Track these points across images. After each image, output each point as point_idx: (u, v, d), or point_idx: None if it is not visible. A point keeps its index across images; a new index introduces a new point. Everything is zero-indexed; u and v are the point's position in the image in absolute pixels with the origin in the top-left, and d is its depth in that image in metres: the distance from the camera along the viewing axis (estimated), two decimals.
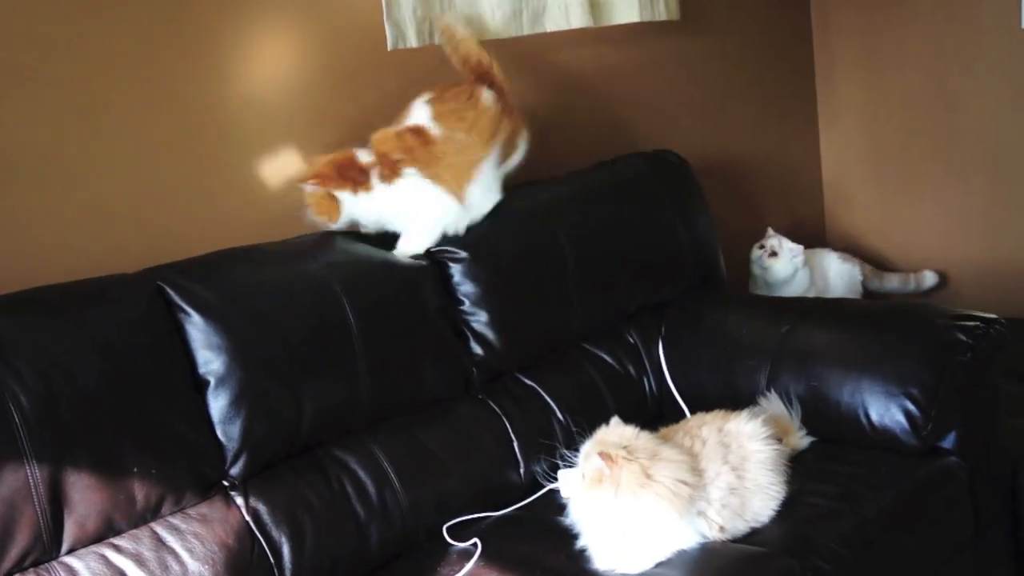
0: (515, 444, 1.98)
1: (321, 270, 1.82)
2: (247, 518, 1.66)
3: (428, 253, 1.99)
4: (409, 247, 1.97)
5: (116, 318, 1.61)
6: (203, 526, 1.62)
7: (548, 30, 2.37)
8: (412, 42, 2.16)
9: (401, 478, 1.81)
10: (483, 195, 2.02)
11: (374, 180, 1.93)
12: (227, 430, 1.67)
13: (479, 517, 1.87)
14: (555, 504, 1.90)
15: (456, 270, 2.00)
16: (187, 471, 1.62)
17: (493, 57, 2.06)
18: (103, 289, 1.65)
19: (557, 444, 1.95)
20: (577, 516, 1.68)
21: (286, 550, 1.66)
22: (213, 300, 1.69)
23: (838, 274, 2.75)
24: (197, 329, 1.67)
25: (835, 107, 3.11)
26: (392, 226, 1.98)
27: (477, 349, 2.01)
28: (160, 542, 1.57)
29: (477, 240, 2.03)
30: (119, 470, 1.53)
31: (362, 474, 1.79)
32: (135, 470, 1.55)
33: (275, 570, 1.65)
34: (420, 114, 1.98)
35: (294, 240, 1.91)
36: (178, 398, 1.63)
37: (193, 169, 1.92)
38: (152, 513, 1.59)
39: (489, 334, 2.01)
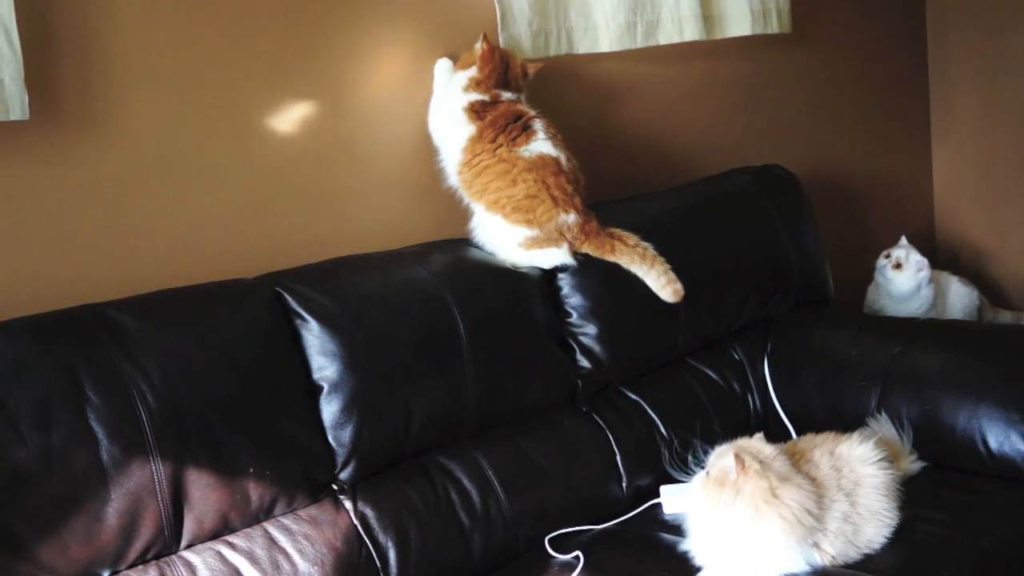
0: (618, 458, 1.94)
1: (433, 279, 1.81)
2: (355, 522, 1.66)
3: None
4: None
5: (236, 322, 1.63)
6: (313, 528, 1.62)
7: (661, 43, 2.32)
8: (527, 54, 2.14)
9: (505, 487, 1.79)
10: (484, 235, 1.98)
11: (463, 80, 1.93)
12: (338, 435, 1.67)
13: (581, 530, 1.84)
14: (657, 520, 1.87)
15: (564, 282, 1.97)
16: (299, 474, 1.63)
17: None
18: (224, 294, 1.67)
19: (662, 458, 1.91)
20: (691, 517, 1.63)
21: (392, 555, 1.66)
22: (330, 307, 1.70)
23: (958, 296, 2.61)
24: (313, 335, 1.68)
25: (949, 120, 2.98)
26: None
27: (583, 362, 1.97)
28: (272, 542, 1.59)
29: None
30: (236, 470, 1.55)
31: (466, 482, 1.78)
32: (251, 471, 1.56)
33: (381, 574, 1.64)
34: (543, 146, 1.94)
35: (406, 249, 1.91)
36: (293, 403, 1.64)
37: (312, 177, 1.93)
38: (265, 513, 1.60)
39: (596, 347, 1.97)
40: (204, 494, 1.52)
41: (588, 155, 2.01)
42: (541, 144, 1.92)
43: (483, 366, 1.80)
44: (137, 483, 1.46)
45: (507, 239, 1.91)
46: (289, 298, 1.70)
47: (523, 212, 1.88)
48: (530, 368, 1.88)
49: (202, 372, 1.55)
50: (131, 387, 1.48)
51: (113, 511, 1.44)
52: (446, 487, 1.76)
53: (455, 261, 1.89)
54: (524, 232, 1.90)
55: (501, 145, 1.89)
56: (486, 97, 1.91)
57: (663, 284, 1.95)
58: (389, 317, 1.74)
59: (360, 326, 1.71)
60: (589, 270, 1.98)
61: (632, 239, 1.96)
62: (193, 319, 1.61)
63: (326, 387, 1.67)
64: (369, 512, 1.67)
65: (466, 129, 1.91)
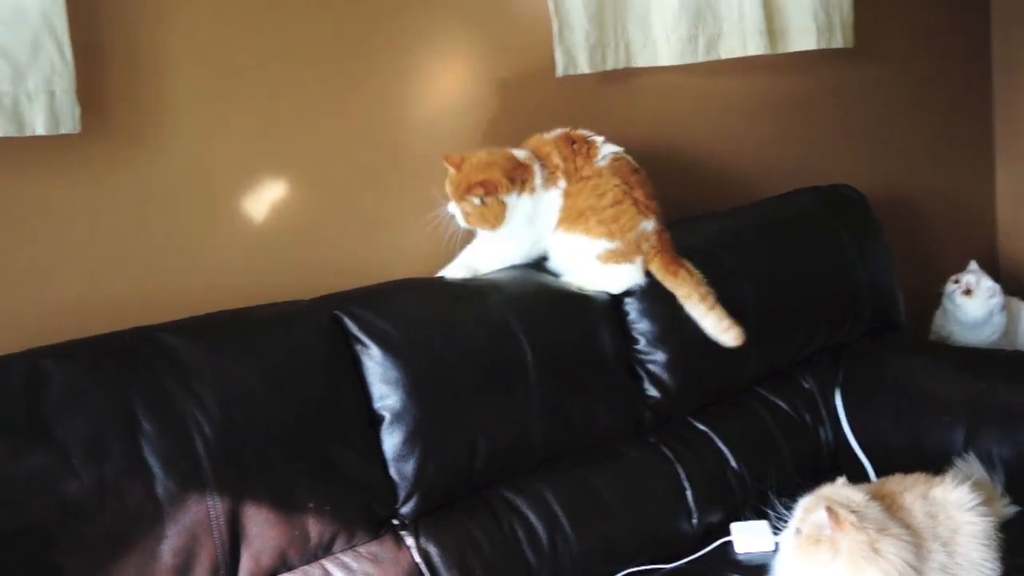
0: (687, 492, 1.84)
1: (498, 304, 1.72)
2: (418, 560, 1.56)
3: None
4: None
5: (294, 347, 1.54)
6: (374, 566, 1.53)
7: (723, 57, 2.24)
8: (583, 68, 2.06)
9: (572, 523, 1.69)
10: (564, 260, 1.85)
11: (536, 181, 1.78)
12: (400, 468, 1.58)
13: (650, 569, 1.74)
14: (729, 559, 1.77)
15: (632, 307, 1.87)
16: (360, 508, 1.54)
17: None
18: (280, 317, 1.59)
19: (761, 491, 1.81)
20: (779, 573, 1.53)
21: None
22: (391, 332, 1.61)
23: None
24: (374, 362, 1.59)
25: (1014, 140, 2.88)
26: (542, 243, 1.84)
27: (651, 391, 1.88)
28: None
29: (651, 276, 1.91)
30: (295, 505, 1.46)
31: (532, 517, 1.68)
32: (310, 505, 1.48)
33: None
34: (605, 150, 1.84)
35: None
36: (353, 433, 1.55)
37: (366, 195, 1.85)
38: (324, 550, 1.51)
39: (664, 376, 1.88)
40: (262, 530, 1.43)
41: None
42: (607, 147, 1.85)
43: (550, 396, 1.71)
44: (193, 519, 1.37)
45: (585, 254, 1.81)
46: (348, 322, 1.62)
47: (607, 224, 1.80)
48: (598, 397, 1.79)
49: (259, 400, 1.46)
50: (187, 416, 1.40)
51: (168, 549, 1.36)
52: (511, 523, 1.66)
53: (520, 285, 1.80)
54: (604, 245, 1.80)
55: (580, 167, 1.81)
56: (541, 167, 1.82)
57: (724, 328, 1.85)
58: (453, 344, 1.65)
59: (423, 353, 1.62)
60: (658, 295, 1.88)
61: (699, 276, 1.86)
62: (248, 344, 1.52)
63: (388, 417, 1.58)
64: (432, 549, 1.58)
65: (555, 194, 1.82)
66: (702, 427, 1.94)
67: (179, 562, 1.37)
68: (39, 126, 1.40)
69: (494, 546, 1.62)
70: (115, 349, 1.43)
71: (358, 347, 1.60)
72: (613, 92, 2.13)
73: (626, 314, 1.88)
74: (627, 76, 2.17)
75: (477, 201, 1.75)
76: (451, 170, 1.78)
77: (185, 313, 1.56)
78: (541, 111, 1.97)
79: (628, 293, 1.87)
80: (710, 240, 2.02)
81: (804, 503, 1.51)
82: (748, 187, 2.29)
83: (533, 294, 1.78)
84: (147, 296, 1.62)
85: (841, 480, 1.55)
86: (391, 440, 1.58)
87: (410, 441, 1.58)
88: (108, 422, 1.34)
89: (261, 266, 1.75)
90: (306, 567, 1.50)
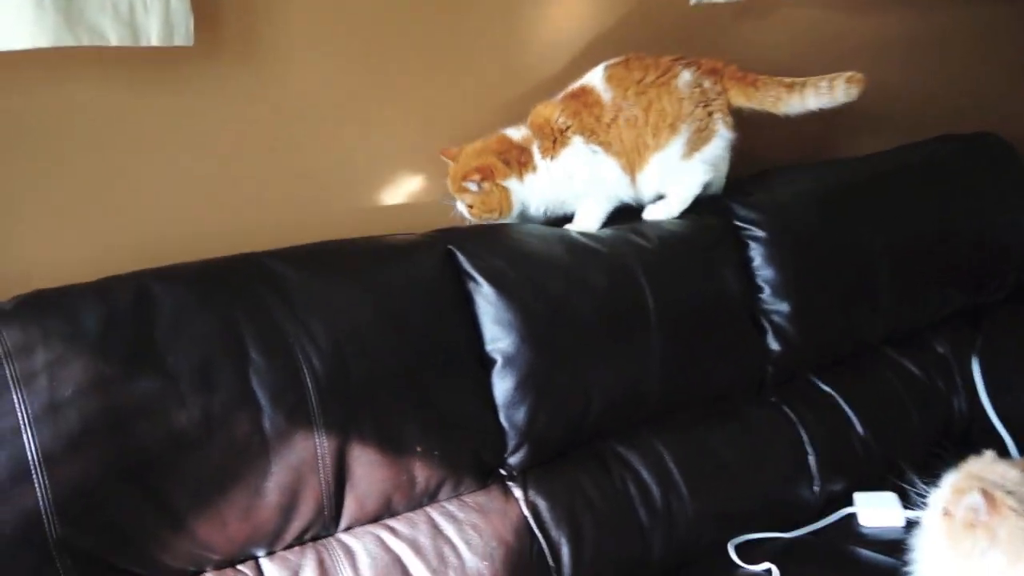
0: (810, 457, 1.74)
1: (621, 249, 1.63)
2: (526, 512, 1.51)
3: (729, 228, 1.76)
4: (581, 225, 1.70)
5: (405, 281, 1.48)
6: (481, 517, 1.48)
7: None
8: None
9: (687, 482, 1.62)
10: (658, 184, 1.72)
11: (536, 157, 1.67)
12: (511, 415, 1.52)
13: (768, 537, 1.65)
14: (853, 532, 1.68)
15: (757, 252, 1.77)
16: (468, 456, 1.48)
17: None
18: (393, 249, 1.53)
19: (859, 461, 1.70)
20: (923, 558, 1.43)
21: (565, 552, 1.50)
22: (507, 272, 1.54)
23: None
24: (487, 301, 1.52)
25: None
26: (564, 207, 1.71)
27: (774, 344, 1.77)
28: (437, 530, 1.45)
29: (776, 216, 1.79)
30: (403, 448, 1.41)
31: (645, 474, 1.61)
32: (418, 449, 1.42)
33: (553, 574, 1.49)
34: (593, 76, 1.70)
35: None
36: (464, 375, 1.49)
37: (484, 128, 1.76)
38: (429, 497, 1.46)
39: (789, 328, 1.77)
40: (368, 472, 1.38)
41: (769, 116, 1.78)
42: (595, 75, 1.71)
43: (671, 345, 1.62)
44: (299, 456, 1.33)
45: (671, 167, 1.70)
46: (462, 257, 1.55)
47: (658, 127, 1.67)
48: (720, 349, 1.69)
49: (370, 336, 1.40)
50: (296, 349, 1.35)
51: (273, 486, 1.32)
52: (624, 479, 1.59)
53: (642, 228, 1.70)
54: (678, 142, 1.68)
55: (599, 115, 1.68)
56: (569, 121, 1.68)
57: (833, 85, 1.70)
58: (571, 287, 1.57)
59: (539, 295, 1.54)
60: (782, 240, 1.77)
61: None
62: (360, 275, 1.46)
63: (500, 360, 1.51)
64: (541, 502, 1.52)
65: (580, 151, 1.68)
66: (826, 388, 1.84)
67: (284, 500, 1.33)
68: (154, 36, 1.34)
69: (606, 503, 1.56)
70: (223, 275, 1.38)
71: (471, 284, 1.53)
72: (748, 26, 2.00)
73: (750, 259, 1.77)
74: (764, 9, 2.02)
75: (475, 188, 1.65)
76: (449, 164, 1.69)
77: (292, 242, 1.50)
78: (671, 42, 1.84)
79: (752, 237, 1.76)
80: (841, 186, 1.90)
81: (952, 481, 1.40)
82: (884, 132, 2.14)
83: (655, 237, 1.68)
84: (251, 223, 1.57)
85: (990, 454, 1.43)
86: (502, 385, 1.51)
87: (522, 387, 1.51)
88: (217, 351, 1.29)
89: (370, 195, 1.68)
90: (410, 514, 1.45)
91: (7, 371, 1.17)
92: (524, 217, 1.71)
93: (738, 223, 1.78)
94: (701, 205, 1.78)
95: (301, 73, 1.59)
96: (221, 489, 1.28)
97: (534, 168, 1.67)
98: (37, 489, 1.16)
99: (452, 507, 1.48)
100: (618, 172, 1.69)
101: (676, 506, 1.60)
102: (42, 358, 1.19)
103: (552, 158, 1.66)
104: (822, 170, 1.96)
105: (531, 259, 1.57)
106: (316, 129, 1.62)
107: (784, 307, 1.76)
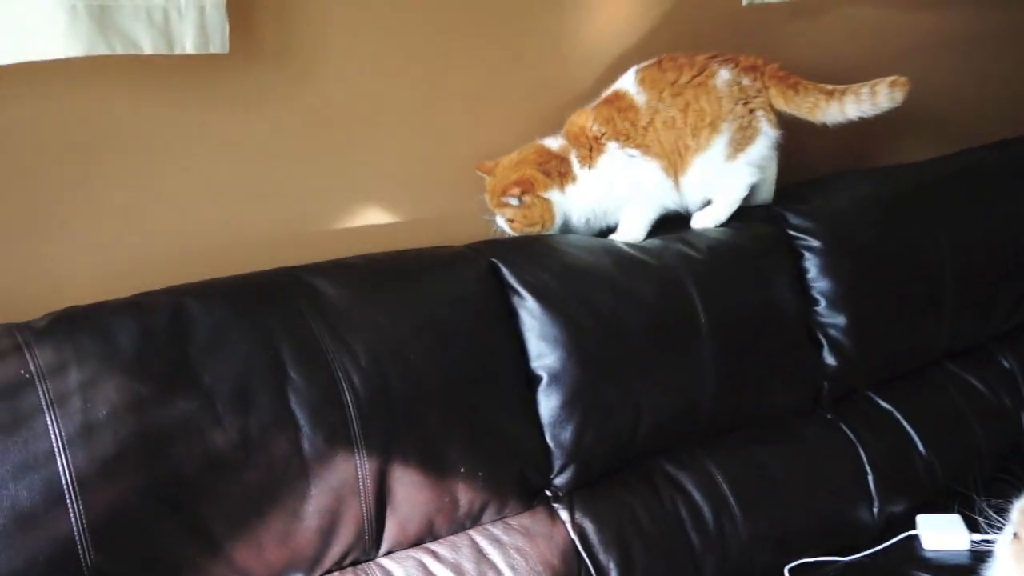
0: (869, 477, 1.68)
1: (670, 260, 1.58)
2: (572, 536, 1.46)
3: (782, 237, 1.70)
4: (626, 235, 1.64)
5: (447, 296, 1.44)
6: (526, 540, 1.43)
7: None
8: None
9: (741, 504, 1.56)
10: (702, 188, 1.66)
11: (575, 167, 1.62)
12: (557, 434, 1.47)
13: (826, 561, 1.59)
14: (915, 556, 1.61)
15: (812, 262, 1.71)
16: (513, 476, 1.44)
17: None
18: (436, 263, 1.49)
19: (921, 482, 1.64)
20: None
21: None
22: (552, 285, 1.49)
23: None
24: (532, 316, 1.48)
25: None
26: (607, 217, 1.66)
27: (830, 359, 1.71)
28: (481, 554, 1.40)
29: (832, 224, 1.73)
30: (446, 468, 1.37)
31: (697, 495, 1.55)
32: (462, 470, 1.38)
33: None
34: (625, 80, 1.65)
35: None
36: (509, 393, 1.45)
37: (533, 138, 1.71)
38: (472, 520, 1.42)
39: (846, 342, 1.71)
40: (410, 494, 1.34)
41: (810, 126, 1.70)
42: (628, 80, 1.65)
43: (724, 361, 1.57)
44: (340, 478, 1.29)
45: (714, 170, 1.64)
46: (505, 270, 1.50)
47: (698, 127, 1.62)
48: (774, 364, 1.64)
49: (412, 352, 1.36)
50: (335, 366, 1.31)
51: (313, 509, 1.28)
52: (674, 500, 1.54)
53: (691, 237, 1.65)
54: (720, 142, 1.63)
55: (634, 120, 1.63)
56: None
57: (875, 91, 1.63)
58: (618, 300, 1.52)
59: (586, 309, 1.49)
60: (840, 249, 1.71)
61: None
62: (401, 290, 1.42)
63: (546, 377, 1.47)
64: (588, 525, 1.47)
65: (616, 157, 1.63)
66: (885, 404, 1.77)
67: (324, 524, 1.29)
68: (188, 44, 1.31)
69: (656, 526, 1.51)
70: (260, 291, 1.35)
71: (515, 299, 1.49)
72: (802, 27, 1.93)
73: (805, 271, 1.71)
74: (819, 8, 1.95)
75: (515, 202, 1.60)
76: (486, 179, 1.64)
77: (329, 255, 1.47)
78: (722, 45, 1.77)
79: (807, 247, 1.71)
80: (900, 192, 1.84)
81: (1022, 505, 1.33)
82: (947, 135, 2.06)
83: (706, 246, 1.62)
84: (288, 235, 1.54)
85: None
86: (548, 403, 1.47)
87: (569, 405, 1.46)
88: (254, 369, 1.26)
89: (409, 207, 1.64)
90: (453, 537, 1.41)
91: (40, 392, 1.14)
92: (566, 228, 1.67)
93: (792, 232, 1.73)
94: (752, 213, 1.73)
95: (340, 81, 1.55)
96: (259, 513, 1.24)
97: (574, 178, 1.62)
98: (71, 514, 1.13)
99: (496, 530, 1.43)
100: (659, 175, 1.63)
101: (729, 529, 1.54)
102: (76, 378, 1.16)
103: (590, 167, 1.62)
104: (879, 176, 1.91)
105: (577, 271, 1.53)
106: (355, 138, 1.58)
107: (840, 320, 1.71)
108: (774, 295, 1.64)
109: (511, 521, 1.44)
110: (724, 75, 1.64)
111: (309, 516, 1.28)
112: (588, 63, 1.75)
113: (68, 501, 1.13)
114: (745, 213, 1.71)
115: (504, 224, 1.64)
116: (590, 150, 1.62)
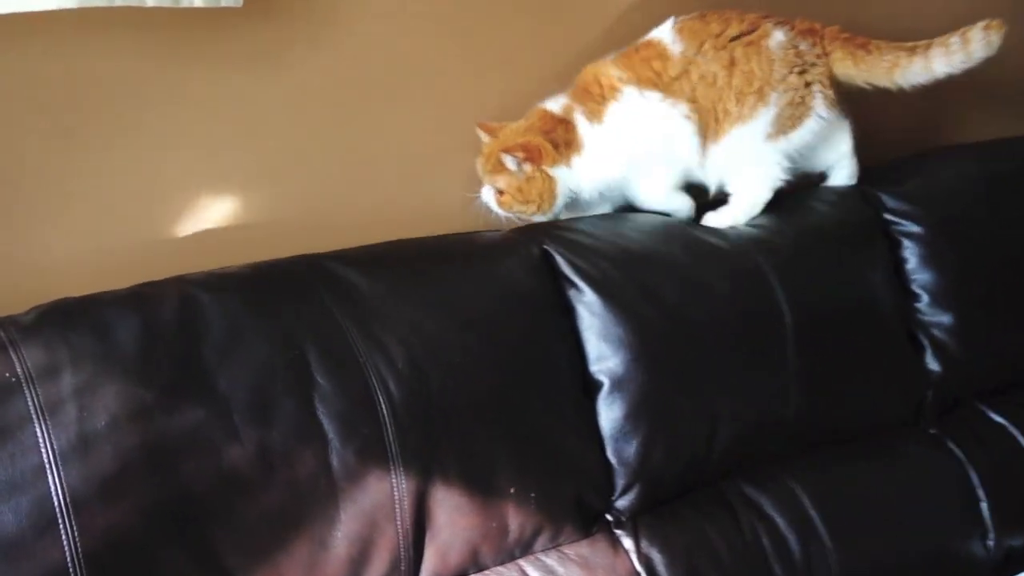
0: (981, 504, 1.61)
1: (745, 246, 1.53)
2: (638, 568, 1.40)
3: (877, 223, 1.63)
4: (649, 200, 1.57)
5: (494, 289, 1.39)
6: (584, 572, 1.37)
7: None
8: None
9: (831, 532, 1.50)
10: (725, 167, 1.57)
11: (581, 128, 1.52)
12: (620, 449, 1.42)
13: None
14: None
15: (911, 251, 1.66)
16: (569, 498, 1.38)
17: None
18: (476, 248, 1.45)
19: None
20: None
21: None
22: (613, 275, 1.44)
23: None
24: (591, 312, 1.42)
25: None
26: (625, 187, 1.57)
27: (933, 364, 1.66)
28: None
29: (934, 208, 1.69)
30: (493, 489, 1.31)
31: (780, 522, 1.49)
32: (511, 491, 1.32)
33: None
34: (661, 30, 1.56)
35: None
36: (565, 401, 1.39)
37: None
38: (523, 548, 1.36)
39: (952, 344, 1.66)
40: (453, 519, 1.29)
41: (881, 97, 1.62)
42: (665, 30, 1.57)
43: (810, 364, 1.52)
44: (373, 500, 1.24)
45: (750, 146, 1.55)
46: (560, 259, 1.45)
47: (744, 93, 1.53)
48: (869, 369, 1.59)
49: (454, 355, 1.32)
50: (368, 370, 1.26)
51: (342, 536, 1.23)
52: (754, 527, 1.48)
53: (772, 223, 1.59)
54: (765, 116, 1.53)
55: (662, 69, 1.55)
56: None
57: (967, 38, 1.54)
58: (689, 293, 1.47)
59: (653, 304, 1.45)
60: (945, 235, 1.66)
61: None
62: (440, 282, 1.38)
63: (607, 383, 1.42)
64: (655, 556, 1.42)
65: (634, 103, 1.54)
66: (998, 418, 1.72)
67: (354, 553, 1.24)
68: None
69: (733, 554, 1.45)
70: (280, 282, 1.31)
71: (571, 292, 1.44)
72: None
73: (904, 261, 1.67)
74: None
75: (514, 166, 1.49)
76: (485, 139, 1.55)
77: (356, 240, 1.43)
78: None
79: (905, 233, 1.66)
80: (1015, 171, 1.78)
81: None
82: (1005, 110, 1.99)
83: (790, 233, 1.57)
84: (310, 216, 1.50)
85: None
86: (610, 414, 1.42)
87: (634, 416, 1.41)
88: (276, 373, 1.21)
89: (449, 187, 1.59)
90: (501, 568, 1.36)
91: (29, 399, 1.10)
92: (574, 208, 1.58)
93: (888, 216, 1.68)
94: (841, 195, 1.69)
95: (366, 39, 1.51)
96: (280, 540, 1.19)
97: (580, 146, 1.53)
98: (64, 541, 1.09)
99: (550, 560, 1.38)
100: (687, 128, 1.53)
101: (817, 561, 1.48)
102: (70, 382, 1.11)
103: (599, 121, 1.52)
104: (983, 151, 1.87)
105: (641, 259, 1.48)
106: (383, 104, 1.54)
107: (946, 319, 1.66)
108: (868, 289, 1.59)
109: (567, 550, 1.39)
110: (779, 36, 1.56)
111: (338, 544, 1.22)
112: (639, 20, 1.67)
113: (61, 525, 1.08)
114: (833, 194, 1.66)
115: (491, 199, 1.54)
116: (600, 101, 1.52)
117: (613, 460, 1.42)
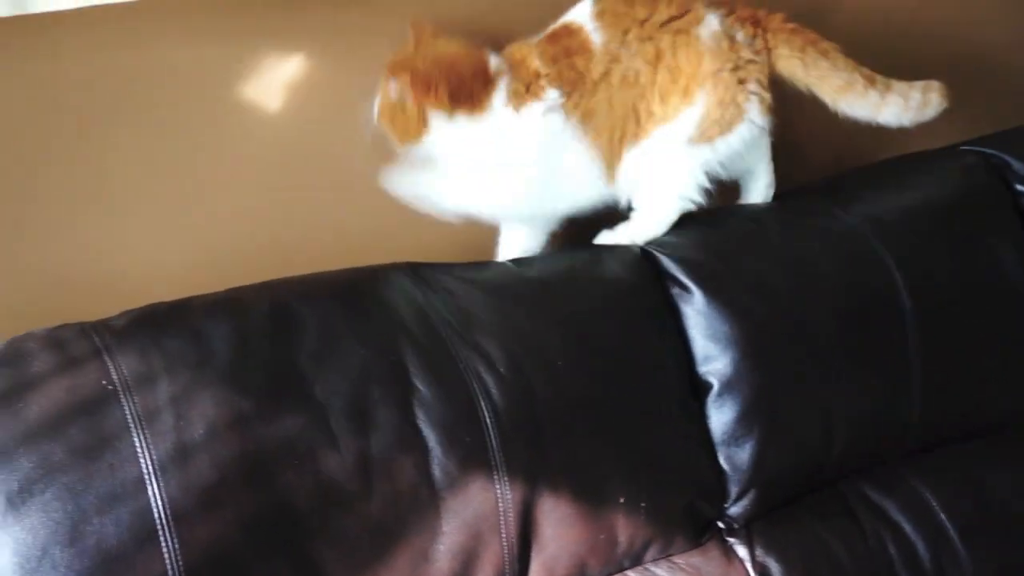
0: None
1: (860, 225, 1.54)
2: None
3: (1006, 193, 1.63)
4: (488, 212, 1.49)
5: (596, 289, 1.42)
6: None
7: None
8: None
9: (964, 539, 1.50)
10: (635, 177, 1.47)
11: (496, 99, 1.41)
12: (732, 454, 1.43)
13: None
14: None
15: None
16: (680, 506, 1.40)
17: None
18: (575, 248, 1.50)
19: None
20: None
21: None
22: (717, 269, 1.46)
23: None
24: (696, 310, 1.44)
25: None
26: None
27: None
28: None
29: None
30: (602, 498, 1.33)
31: (908, 528, 1.50)
32: (621, 500, 1.34)
33: None
34: (579, 10, 1.46)
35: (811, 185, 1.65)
36: (673, 405, 1.41)
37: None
38: (632, 560, 1.38)
39: None
40: (559, 531, 1.31)
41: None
42: (582, 9, 1.46)
43: (936, 355, 1.52)
44: (476, 511, 1.27)
45: (670, 150, 1.45)
46: (661, 256, 1.48)
47: (681, 80, 1.43)
48: (1003, 361, 1.58)
49: (558, 359, 1.34)
50: (470, 376, 1.29)
51: (445, 548, 1.25)
52: (879, 533, 1.49)
53: (887, 200, 1.60)
54: (689, 117, 1.43)
55: (585, 67, 1.44)
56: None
57: (927, 102, 1.49)
58: (798, 283, 1.48)
59: (760, 297, 1.46)
60: None
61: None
62: (540, 283, 1.42)
63: (716, 385, 1.43)
64: (772, 565, 1.43)
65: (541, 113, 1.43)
66: None
67: (457, 566, 1.27)
68: None
69: (856, 563, 1.46)
70: (372, 287, 1.35)
71: (675, 290, 1.46)
72: None
73: None
74: None
75: (393, 93, 1.40)
76: (410, 40, 1.43)
77: (448, 244, 1.49)
78: None
79: None
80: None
81: None
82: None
83: (910, 210, 1.58)
84: (398, 218, 1.50)
85: None
86: (720, 417, 1.43)
87: (746, 418, 1.43)
88: (374, 380, 1.24)
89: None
90: None
91: (127, 408, 1.14)
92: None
93: (1019, 186, 1.67)
94: (958, 158, 1.68)
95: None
96: (381, 553, 1.22)
97: (481, 109, 1.41)
98: (165, 553, 1.12)
99: (661, 571, 1.40)
100: (592, 170, 1.46)
101: (951, 571, 1.49)
102: (166, 390, 1.16)
103: (516, 109, 1.41)
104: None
105: (744, 247, 1.51)
106: None
107: None
108: (999, 267, 1.59)
109: (678, 560, 1.41)
110: (712, 23, 1.44)
111: (440, 557, 1.25)
112: None
113: (161, 537, 1.12)
114: (949, 157, 1.66)
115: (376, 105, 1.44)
116: (527, 89, 1.41)
117: (725, 465, 1.43)
